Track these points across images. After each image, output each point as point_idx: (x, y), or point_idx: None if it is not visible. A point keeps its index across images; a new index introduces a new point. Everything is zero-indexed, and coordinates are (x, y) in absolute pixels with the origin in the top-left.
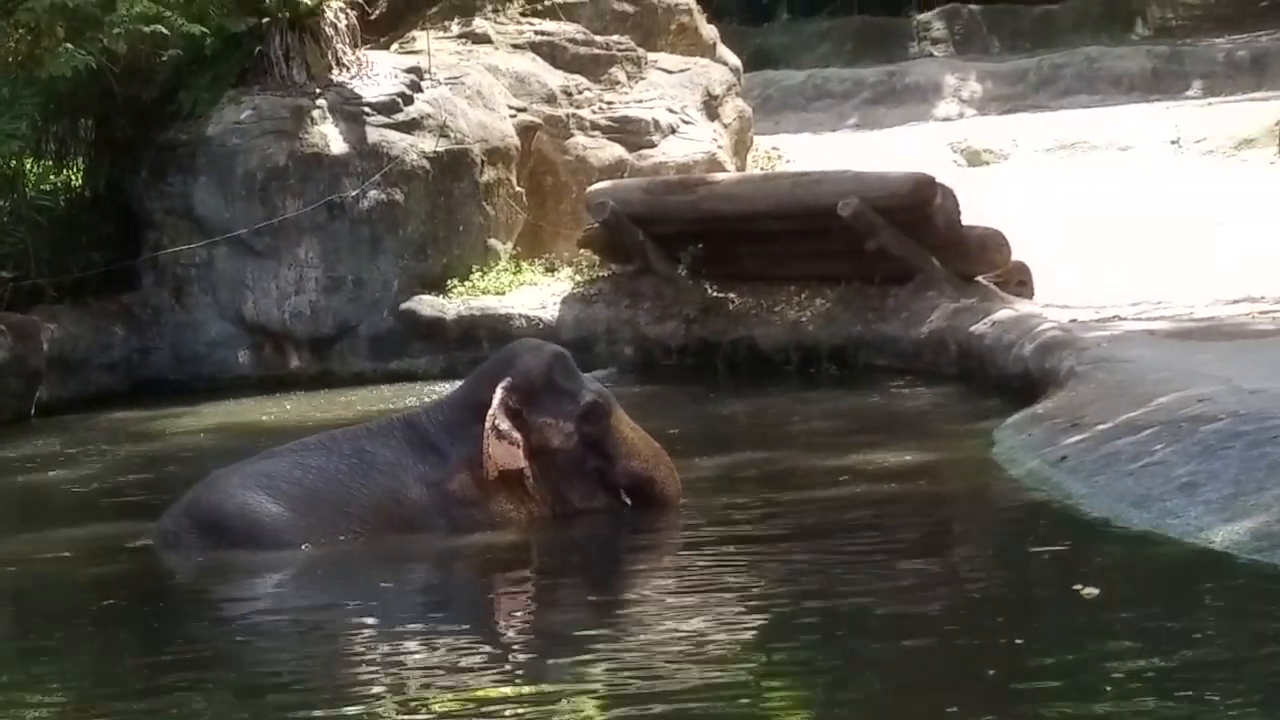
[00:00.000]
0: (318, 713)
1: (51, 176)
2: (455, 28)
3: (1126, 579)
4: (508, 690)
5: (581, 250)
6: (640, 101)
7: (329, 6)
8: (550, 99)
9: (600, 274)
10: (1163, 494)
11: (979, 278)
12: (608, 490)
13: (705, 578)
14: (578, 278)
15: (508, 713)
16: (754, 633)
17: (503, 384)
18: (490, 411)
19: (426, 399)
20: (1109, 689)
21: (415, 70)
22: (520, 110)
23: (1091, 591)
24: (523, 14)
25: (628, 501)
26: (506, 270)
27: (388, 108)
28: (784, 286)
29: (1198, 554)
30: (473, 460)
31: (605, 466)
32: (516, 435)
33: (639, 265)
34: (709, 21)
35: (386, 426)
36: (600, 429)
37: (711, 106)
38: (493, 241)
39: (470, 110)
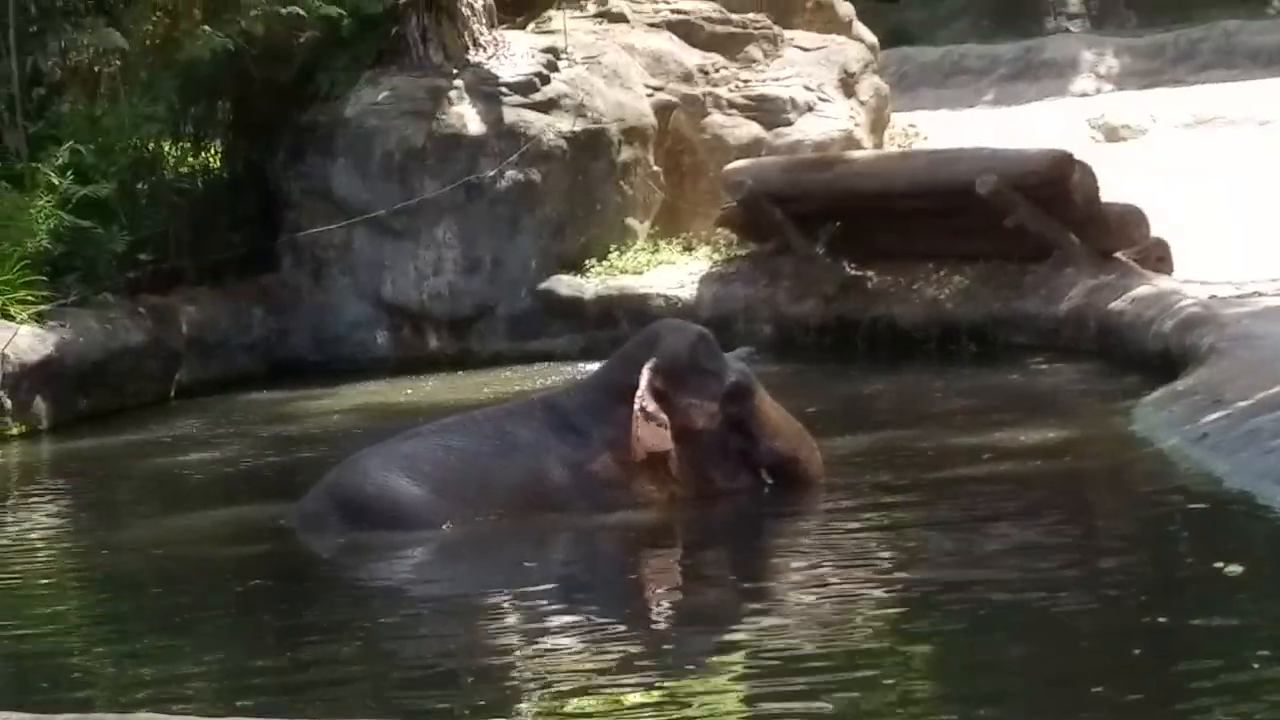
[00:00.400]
0: (459, 697)
1: (190, 159)
2: (591, 7)
3: (1270, 556)
4: (647, 676)
5: (719, 229)
6: (777, 79)
7: None
8: (687, 78)
9: (738, 253)
10: None
11: (1118, 254)
12: (750, 470)
13: (848, 558)
14: (715, 256)
15: (646, 700)
16: (897, 614)
17: (649, 365)
18: (638, 393)
19: (566, 379)
20: (1256, 666)
21: (552, 50)
22: (657, 89)
23: (1235, 569)
24: None
25: (769, 481)
26: (644, 249)
27: (525, 88)
28: (922, 264)
29: None
30: (614, 441)
31: (749, 447)
32: (664, 417)
33: (777, 244)
34: None
35: (527, 407)
36: (744, 409)
37: (848, 84)
38: (630, 221)
39: (607, 90)
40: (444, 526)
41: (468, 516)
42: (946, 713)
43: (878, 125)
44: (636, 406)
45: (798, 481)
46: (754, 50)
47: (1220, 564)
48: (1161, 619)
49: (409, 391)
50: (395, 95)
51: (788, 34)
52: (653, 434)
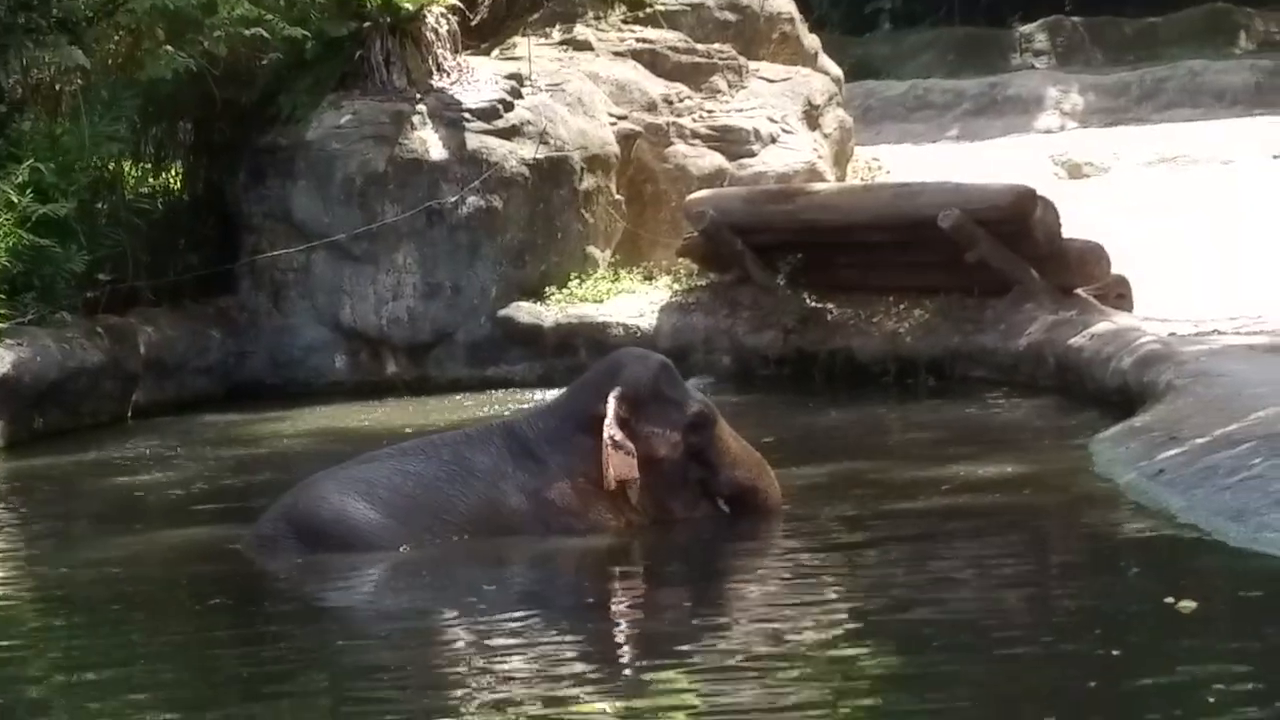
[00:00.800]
0: (415, 716)
1: (150, 179)
2: (556, 34)
3: (1224, 593)
4: (600, 698)
5: (680, 259)
6: (741, 110)
7: (430, 12)
8: (651, 107)
9: (699, 283)
10: (1260, 508)
11: (1078, 290)
12: (708, 500)
13: (805, 586)
14: (676, 286)
15: None
16: (850, 643)
17: (614, 393)
18: (607, 422)
19: (524, 406)
20: (1211, 701)
21: (516, 77)
22: (620, 118)
23: (1189, 605)
24: (624, 21)
25: (725, 509)
26: (605, 278)
27: (488, 114)
28: (882, 297)
29: None
30: (572, 469)
31: (708, 476)
32: (631, 445)
33: (737, 274)
34: (811, 31)
35: (486, 433)
36: (705, 439)
37: (812, 116)
38: (591, 249)
39: (570, 117)
40: (400, 550)
41: (424, 542)
42: None
43: (841, 158)
44: (606, 435)
45: (757, 511)
46: (719, 81)
47: (1172, 599)
48: (1115, 651)
49: (366, 416)
50: (357, 119)
51: (753, 65)
52: (622, 463)
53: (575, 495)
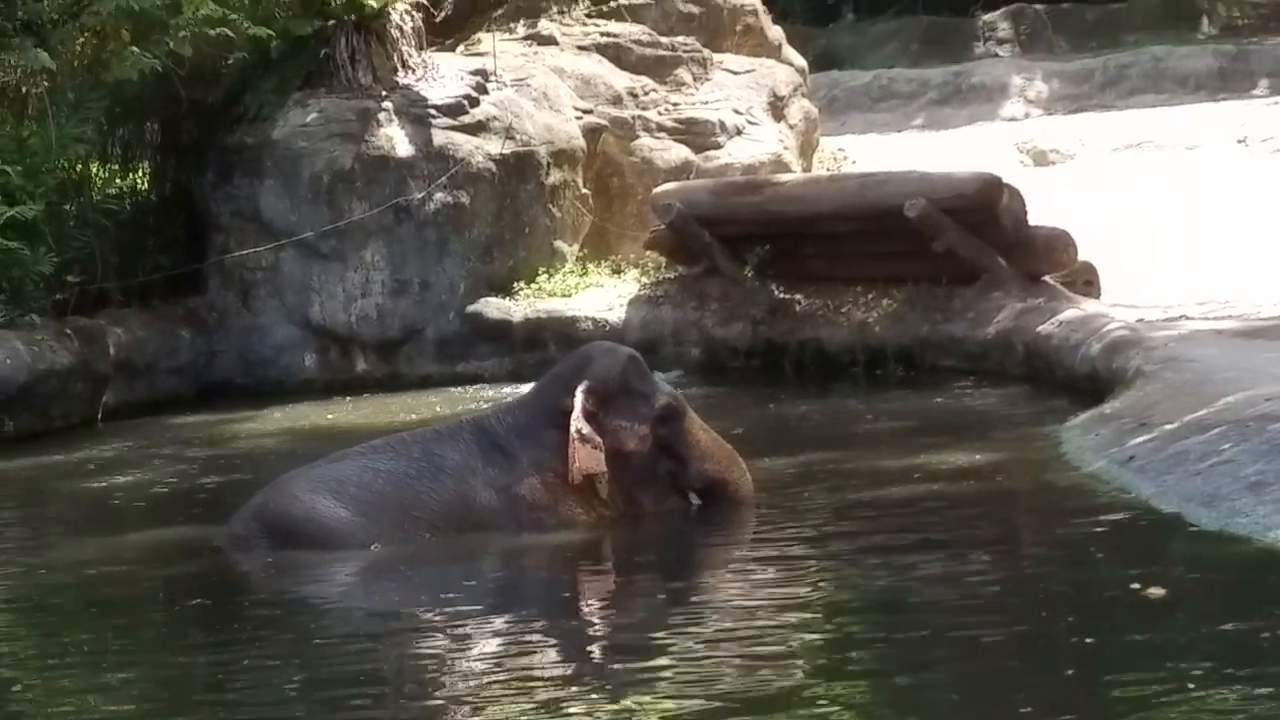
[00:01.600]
0: (388, 715)
1: (117, 180)
2: (520, 29)
3: (1197, 578)
4: (574, 694)
5: (648, 252)
6: (706, 103)
7: (394, 9)
8: (616, 101)
9: (667, 275)
10: (1231, 493)
11: (1046, 278)
12: (678, 493)
13: (778, 579)
14: (644, 279)
15: (573, 715)
16: (825, 634)
17: (581, 387)
18: (574, 416)
19: (494, 401)
20: (1190, 686)
21: (481, 72)
22: (586, 112)
23: (1157, 591)
24: (588, 15)
25: (696, 502)
26: (573, 272)
27: (453, 110)
28: (850, 287)
29: (1265, 552)
30: (542, 464)
31: (678, 469)
32: (599, 439)
33: (705, 267)
34: (774, 22)
35: (455, 429)
36: (674, 432)
37: (777, 107)
38: (559, 243)
39: (536, 112)
40: (372, 548)
41: (395, 538)
42: None
43: (806, 149)
44: (573, 429)
45: (728, 503)
46: (683, 73)
47: (1136, 585)
48: (1089, 639)
49: (337, 414)
50: (324, 117)
51: (717, 57)
52: (588, 456)
53: (545, 490)
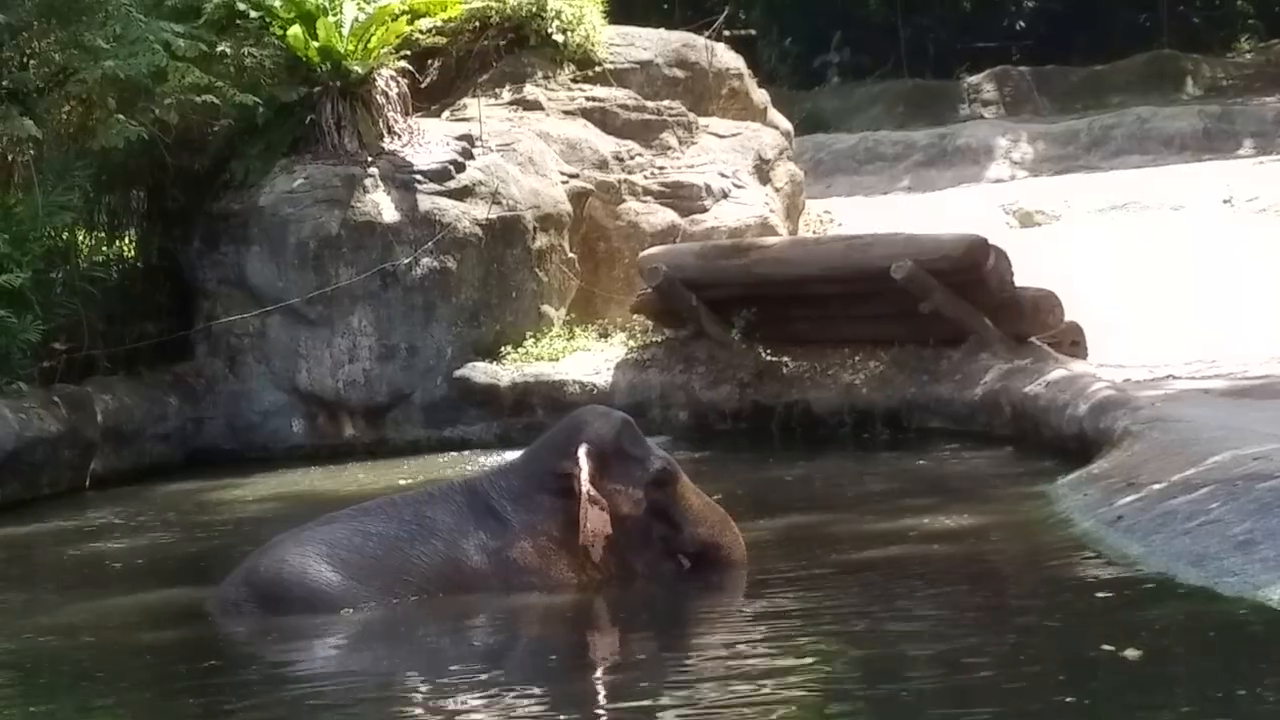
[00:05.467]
0: None
1: (104, 248)
2: (506, 94)
3: (1182, 638)
4: None
5: (635, 315)
6: (692, 166)
7: (380, 75)
8: (602, 165)
9: (654, 339)
10: (1219, 552)
11: (1032, 339)
12: (671, 558)
13: (767, 642)
14: (631, 343)
15: None
16: (815, 697)
17: (582, 449)
18: (582, 478)
19: (482, 466)
20: None
21: (467, 137)
22: (572, 176)
23: (1135, 653)
24: (574, 80)
25: (687, 565)
26: (560, 336)
27: (440, 175)
28: (838, 349)
29: (1256, 611)
30: (534, 527)
31: (671, 533)
32: (605, 501)
33: (692, 330)
34: (760, 86)
35: (447, 492)
36: (668, 496)
37: (763, 170)
38: (546, 308)
39: (522, 177)
40: (342, 612)
41: (385, 602)
42: None
43: (793, 211)
44: (583, 492)
45: (721, 567)
46: (669, 137)
47: (1110, 647)
48: (1085, 701)
49: (325, 480)
50: (310, 183)
51: (703, 121)
52: (598, 518)
53: (537, 554)
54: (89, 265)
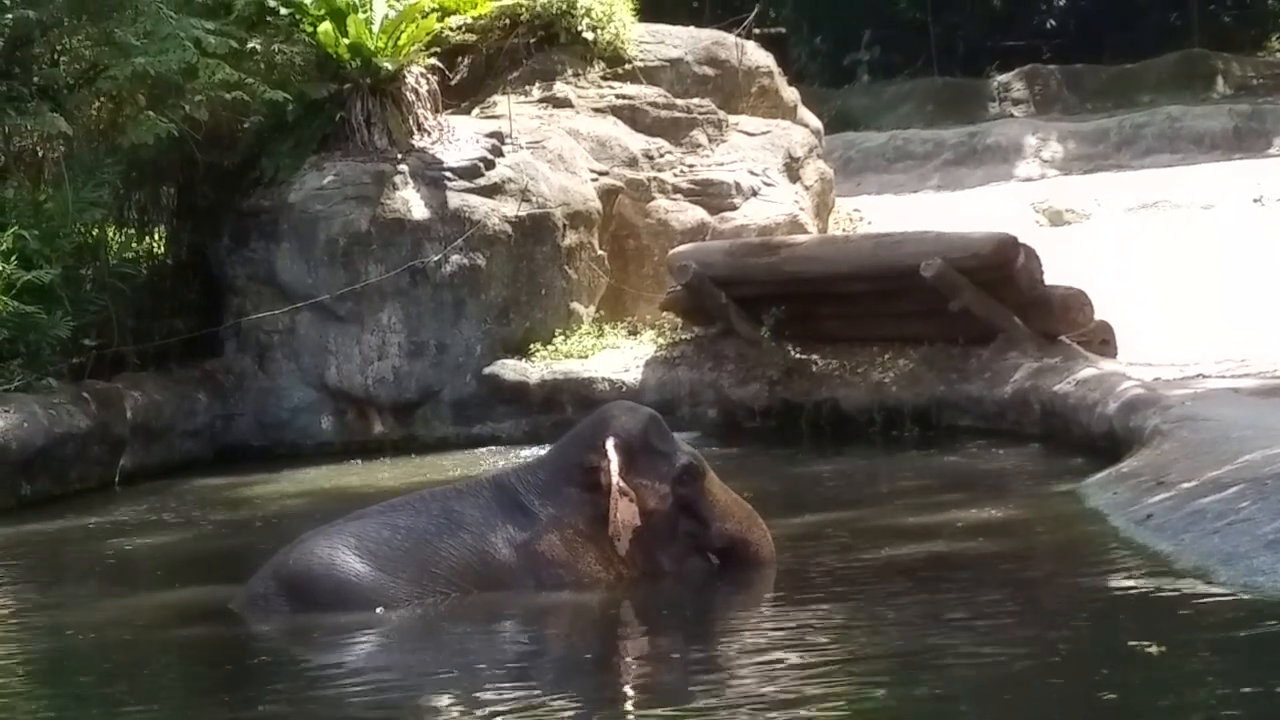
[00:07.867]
0: None
1: (134, 244)
2: (536, 92)
3: (1212, 636)
4: None
5: (664, 313)
6: (722, 164)
7: (410, 72)
8: (631, 162)
9: (683, 336)
10: (1249, 551)
11: (1062, 337)
12: (698, 553)
13: (799, 639)
14: (660, 340)
15: None
16: (847, 695)
17: (611, 443)
18: (611, 471)
19: (511, 463)
20: None
21: (496, 135)
22: (602, 174)
23: (1160, 649)
24: (603, 78)
25: (715, 562)
26: (589, 334)
27: (469, 172)
28: (867, 348)
29: None
30: (562, 521)
31: (699, 529)
32: (633, 494)
33: (721, 327)
34: (790, 84)
35: (475, 486)
36: (695, 491)
37: (793, 169)
38: (575, 305)
39: (552, 174)
40: (391, 606)
41: (414, 596)
42: None
43: (822, 209)
44: (613, 484)
45: (749, 564)
46: (699, 135)
47: (1136, 644)
48: (1107, 695)
49: (354, 476)
50: (340, 180)
51: (733, 119)
52: (628, 510)
53: (564, 548)
54: (119, 262)
